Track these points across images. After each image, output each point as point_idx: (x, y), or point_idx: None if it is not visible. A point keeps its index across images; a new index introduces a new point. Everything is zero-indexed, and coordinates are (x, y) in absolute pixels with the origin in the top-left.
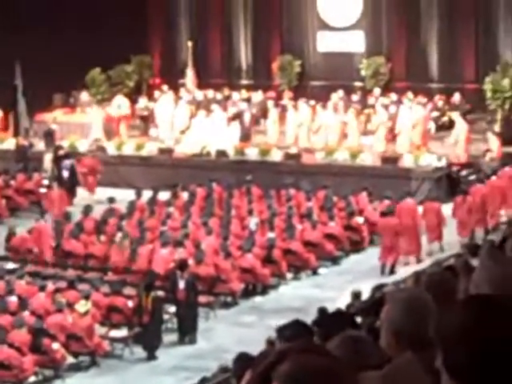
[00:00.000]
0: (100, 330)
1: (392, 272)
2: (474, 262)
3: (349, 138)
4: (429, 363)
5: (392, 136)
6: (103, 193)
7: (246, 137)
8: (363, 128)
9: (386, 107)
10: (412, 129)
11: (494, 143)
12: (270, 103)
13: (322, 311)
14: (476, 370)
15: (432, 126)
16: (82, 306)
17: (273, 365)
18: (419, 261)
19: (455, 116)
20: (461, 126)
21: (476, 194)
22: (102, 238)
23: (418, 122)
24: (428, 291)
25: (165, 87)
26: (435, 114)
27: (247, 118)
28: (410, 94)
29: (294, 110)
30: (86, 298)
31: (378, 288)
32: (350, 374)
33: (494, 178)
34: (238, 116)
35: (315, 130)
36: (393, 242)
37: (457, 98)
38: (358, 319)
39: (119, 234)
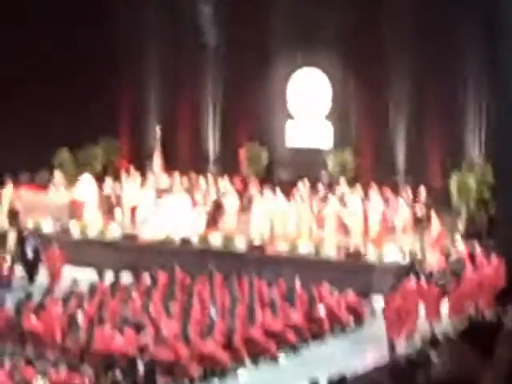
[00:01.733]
0: None
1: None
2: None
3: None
4: None
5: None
6: (65, 272)
7: (211, 223)
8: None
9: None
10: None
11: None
12: (230, 192)
13: None
14: None
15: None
16: (39, 382)
17: None
18: None
19: (430, 213)
20: (437, 226)
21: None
22: (63, 318)
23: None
24: (390, 379)
25: (132, 171)
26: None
27: (213, 205)
28: (374, 188)
29: (259, 198)
30: (43, 375)
31: (336, 378)
32: None
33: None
34: (204, 202)
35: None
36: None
37: (423, 193)
38: None
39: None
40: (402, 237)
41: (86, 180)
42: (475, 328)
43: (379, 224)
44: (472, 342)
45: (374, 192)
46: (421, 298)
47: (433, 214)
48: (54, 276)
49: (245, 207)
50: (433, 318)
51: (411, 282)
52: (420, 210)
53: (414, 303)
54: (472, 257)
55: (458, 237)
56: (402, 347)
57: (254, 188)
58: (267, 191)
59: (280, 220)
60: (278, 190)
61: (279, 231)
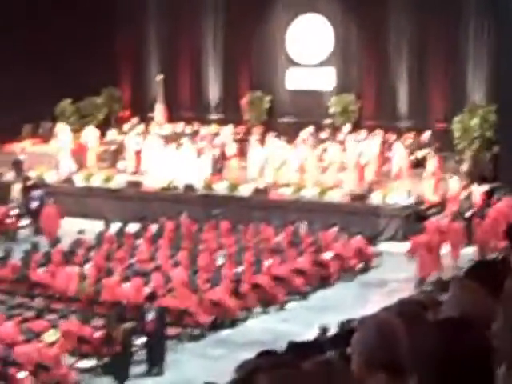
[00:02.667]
0: (69, 360)
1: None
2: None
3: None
4: None
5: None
6: (71, 224)
7: (217, 171)
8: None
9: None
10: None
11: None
12: (229, 138)
13: (291, 344)
14: None
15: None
16: (50, 335)
17: (246, 376)
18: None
19: (428, 156)
20: (432, 165)
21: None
22: (69, 268)
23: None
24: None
25: (134, 120)
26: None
27: (217, 152)
28: (379, 132)
29: (259, 145)
30: (55, 327)
31: (346, 323)
32: None
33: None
34: (208, 150)
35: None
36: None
37: (426, 136)
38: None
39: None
40: (405, 180)
41: (89, 131)
42: (482, 265)
43: (382, 167)
44: (480, 279)
45: (377, 136)
46: (445, 236)
47: (430, 158)
48: (51, 234)
49: (241, 153)
50: (456, 257)
51: (435, 221)
52: (422, 154)
53: (439, 242)
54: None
55: (456, 178)
56: (428, 285)
57: (255, 134)
58: (270, 137)
59: (283, 166)
60: (279, 136)
61: (282, 177)
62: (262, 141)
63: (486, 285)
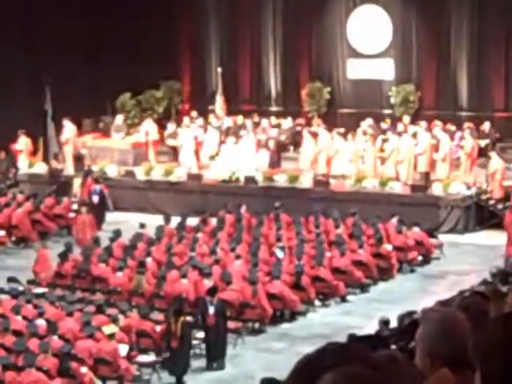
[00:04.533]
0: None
1: None
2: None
3: (366, 165)
4: (466, 382)
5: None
6: (132, 218)
7: (275, 163)
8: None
9: (414, 135)
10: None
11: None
12: (305, 130)
13: (352, 337)
14: None
15: (461, 153)
16: (108, 329)
17: (312, 362)
18: None
19: (492, 153)
20: (497, 163)
21: None
22: (130, 263)
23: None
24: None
25: (194, 113)
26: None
27: (276, 144)
28: (438, 122)
29: (311, 136)
30: (115, 321)
31: (407, 315)
32: None
33: None
34: (267, 142)
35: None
36: None
37: (486, 126)
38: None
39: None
40: (467, 170)
41: (149, 124)
42: None
43: (443, 158)
44: None
45: (437, 127)
46: None
47: (496, 155)
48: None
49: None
50: None
51: None
52: (484, 144)
53: None
54: None
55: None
56: None
57: (315, 125)
58: (322, 130)
59: (335, 157)
60: (335, 129)
61: (342, 169)
62: (314, 133)
63: None
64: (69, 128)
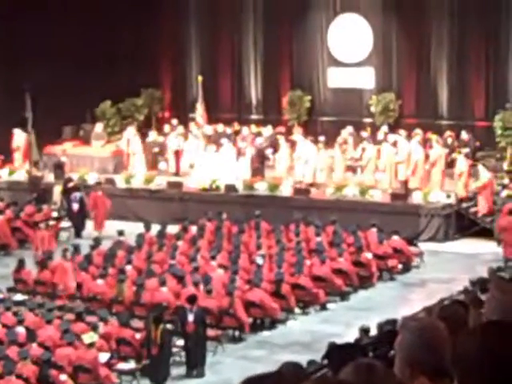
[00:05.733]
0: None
1: None
2: (483, 298)
3: (335, 173)
4: None
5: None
6: (111, 226)
7: (256, 171)
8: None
9: (394, 144)
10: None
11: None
12: (281, 138)
13: (332, 345)
14: None
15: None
16: (88, 337)
17: None
18: None
19: (458, 154)
20: (462, 164)
21: None
22: (111, 270)
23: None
24: (440, 319)
25: (174, 121)
26: (445, 150)
27: (257, 153)
28: (418, 131)
29: (287, 144)
30: (94, 329)
31: (386, 324)
32: None
33: None
34: (264, 150)
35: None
36: None
37: (464, 135)
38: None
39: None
40: (446, 179)
41: (130, 132)
42: None
43: (423, 167)
44: None
45: (417, 135)
46: None
47: (461, 156)
48: (97, 222)
49: (288, 154)
50: None
51: None
52: (463, 153)
53: None
54: None
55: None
56: None
57: (297, 134)
58: (301, 138)
59: (322, 166)
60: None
61: (321, 177)
62: (303, 140)
63: None
64: (19, 135)
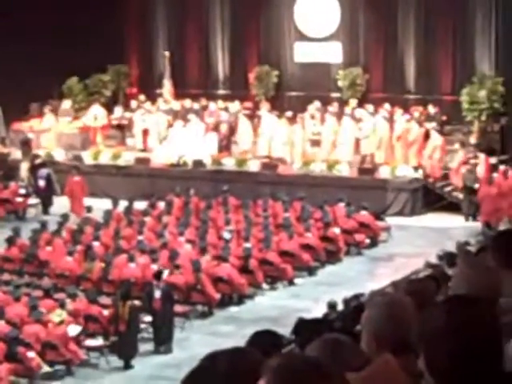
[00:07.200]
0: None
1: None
2: (451, 272)
3: (296, 148)
4: (410, 366)
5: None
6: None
7: (223, 147)
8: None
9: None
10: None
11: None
12: (241, 114)
13: (300, 320)
14: (458, 370)
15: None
16: (57, 315)
17: (204, 369)
18: None
19: (430, 129)
20: (435, 139)
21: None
22: (78, 247)
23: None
24: (407, 294)
25: (142, 97)
26: (413, 124)
27: (224, 128)
28: (386, 106)
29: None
30: (62, 306)
31: (353, 298)
32: (336, 370)
33: None
34: (219, 125)
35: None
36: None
37: (431, 109)
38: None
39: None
40: (413, 154)
41: (96, 109)
42: (502, 238)
43: (390, 141)
44: (497, 251)
45: (383, 110)
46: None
47: (434, 131)
48: (77, 207)
49: (255, 129)
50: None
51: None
52: (430, 127)
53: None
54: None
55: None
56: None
57: (263, 109)
58: (266, 114)
59: (289, 141)
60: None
61: (289, 153)
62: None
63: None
64: None
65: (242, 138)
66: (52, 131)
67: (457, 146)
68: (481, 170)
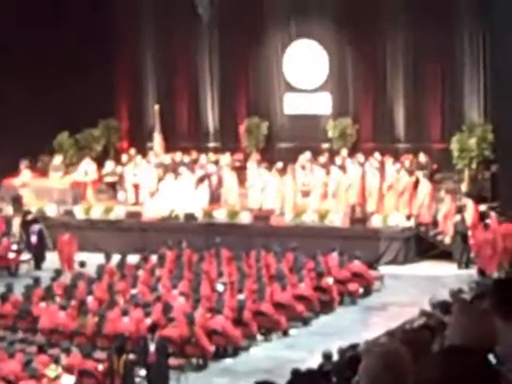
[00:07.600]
0: None
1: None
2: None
3: (287, 199)
4: None
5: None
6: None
7: (214, 199)
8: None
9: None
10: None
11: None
12: (226, 167)
13: (295, 372)
14: None
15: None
16: (52, 370)
17: None
18: None
19: (420, 176)
20: (424, 187)
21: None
22: (72, 302)
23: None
24: (403, 344)
25: (132, 151)
26: (403, 173)
27: (215, 180)
28: (376, 155)
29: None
30: (57, 361)
31: (349, 349)
32: None
33: None
34: (205, 178)
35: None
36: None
37: (422, 158)
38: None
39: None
40: (404, 203)
41: (87, 163)
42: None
43: (381, 191)
44: (495, 302)
45: (374, 160)
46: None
47: (423, 178)
48: (68, 264)
49: (241, 182)
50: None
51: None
52: (420, 175)
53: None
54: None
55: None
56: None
57: (252, 162)
58: (259, 167)
59: (280, 193)
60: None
61: (280, 204)
62: (260, 168)
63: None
64: None
65: (227, 191)
66: (30, 186)
67: (442, 193)
68: (469, 217)
